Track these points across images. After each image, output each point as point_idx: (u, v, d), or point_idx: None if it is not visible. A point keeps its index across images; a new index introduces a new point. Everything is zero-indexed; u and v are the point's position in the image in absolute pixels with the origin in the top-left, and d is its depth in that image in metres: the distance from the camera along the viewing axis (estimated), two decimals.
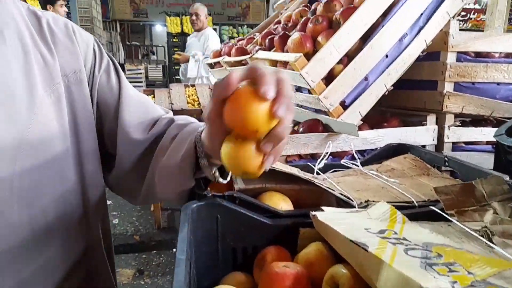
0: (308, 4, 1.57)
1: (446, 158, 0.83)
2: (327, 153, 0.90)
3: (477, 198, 0.60)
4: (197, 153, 0.60)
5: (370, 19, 1.06)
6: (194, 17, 4.20)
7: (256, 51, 1.31)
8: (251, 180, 0.71)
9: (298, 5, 1.64)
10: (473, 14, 9.53)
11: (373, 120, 1.20)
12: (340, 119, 1.07)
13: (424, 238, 0.47)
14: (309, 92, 1.08)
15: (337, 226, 0.50)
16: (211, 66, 1.83)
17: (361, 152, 1.10)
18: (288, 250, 0.59)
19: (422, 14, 1.11)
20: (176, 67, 7.31)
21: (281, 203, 0.66)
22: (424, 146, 1.14)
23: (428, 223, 0.56)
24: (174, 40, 8.28)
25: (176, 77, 7.48)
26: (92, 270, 0.71)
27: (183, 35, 8.04)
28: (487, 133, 1.18)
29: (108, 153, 0.74)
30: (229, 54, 1.61)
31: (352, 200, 0.65)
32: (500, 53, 1.21)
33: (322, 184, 0.69)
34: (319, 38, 1.08)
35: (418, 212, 0.62)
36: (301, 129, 1.12)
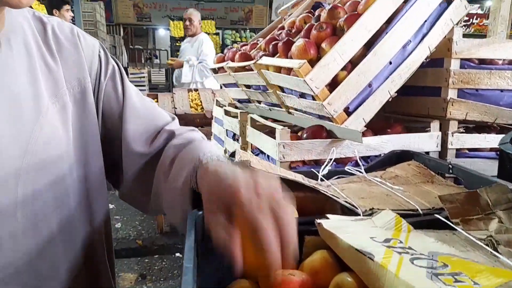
0: (312, 10, 1.57)
1: (450, 165, 0.83)
2: (331, 159, 0.91)
3: (482, 207, 0.60)
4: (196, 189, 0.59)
5: (374, 26, 1.06)
6: (187, 23, 4.22)
7: (260, 57, 1.31)
8: None
9: (302, 11, 1.65)
10: (476, 19, 9.55)
11: (376, 126, 1.20)
12: (344, 125, 1.07)
13: (429, 247, 0.48)
14: (313, 99, 1.08)
15: (342, 234, 0.50)
16: (215, 71, 1.84)
17: (365, 159, 1.10)
18: None
19: (425, 21, 1.12)
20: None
21: None
22: (427, 153, 1.14)
23: (433, 232, 0.56)
24: (177, 44, 8.31)
25: None
26: (93, 275, 0.71)
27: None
28: (491, 140, 1.18)
29: (118, 165, 0.74)
30: (232, 60, 1.61)
31: (357, 208, 0.66)
32: (504, 60, 1.21)
33: (326, 192, 0.69)
34: (323, 45, 1.09)
35: (423, 220, 0.62)
36: (305, 135, 1.12)
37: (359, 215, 0.64)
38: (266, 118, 1.37)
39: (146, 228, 3.29)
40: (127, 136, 0.71)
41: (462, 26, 1.16)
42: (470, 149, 1.20)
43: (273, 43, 1.36)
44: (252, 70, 1.34)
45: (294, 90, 1.16)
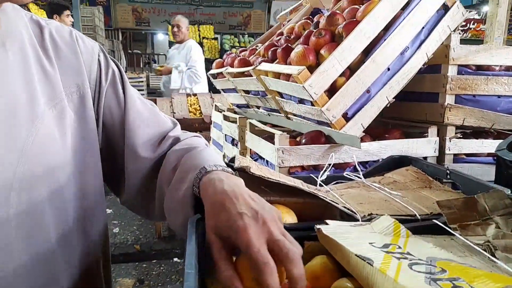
0: (310, 17, 1.58)
1: (448, 171, 0.84)
2: (329, 164, 0.91)
3: (479, 212, 0.60)
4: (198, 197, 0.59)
5: (372, 32, 1.07)
6: (175, 29, 4.21)
7: (259, 63, 1.32)
8: None
9: (301, 17, 1.66)
10: (473, 24, 9.60)
11: (375, 131, 1.21)
12: (342, 130, 1.08)
13: (428, 253, 0.48)
14: (312, 104, 1.09)
15: (342, 240, 0.51)
16: (214, 76, 1.84)
17: (363, 164, 1.11)
18: None
19: (423, 27, 1.13)
20: None
21: (286, 216, 0.67)
22: (425, 158, 1.15)
23: (431, 237, 0.57)
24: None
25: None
26: (91, 281, 0.70)
27: None
28: (488, 145, 1.19)
29: (121, 172, 0.73)
30: (232, 65, 1.62)
31: (356, 213, 0.66)
32: (501, 66, 1.22)
33: (325, 197, 0.69)
34: (322, 51, 1.10)
35: (421, 226, 0.63)
36: (303, 141, 1.13)
37: (358, 220, 0.65)
38: (265, 124, 1.37)
39: (144, 233, 3.28)
40: (131, 143, 0.70)
41: (459, 32, 1.17)
42: (467, 154, 1.21)
43: (272, 49, 1.37)
44: (251, 75, 1.35)
45: (293, 96, 1.17)
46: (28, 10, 4.76)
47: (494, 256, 0.51)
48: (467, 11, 1.21)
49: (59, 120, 0.60)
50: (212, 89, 4.07)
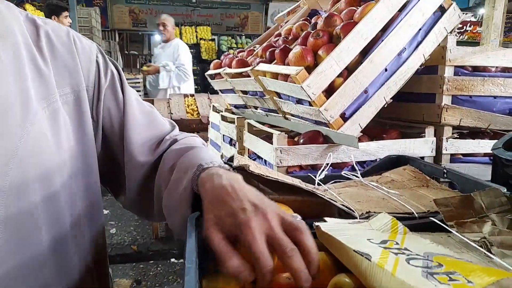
0: (308, 18, 1.60)
1: (445, 170, 0.85)
2: (327, 164, 0.92)
3: (476, 210, 0.61)
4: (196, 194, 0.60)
5: (370, 33, 1.08)
6: (161, 28, 4.19)
7: (257, 63, 1.33)
8: None
9: (298, 18, 1.67)
10: (470, 26, 9.66)
11: (372, 131, 1.22)
12: (340, 130, 1.09)
13: (425, 248, 0.49)
14: (310, 104, 1.10)
15: (340, 236, 0.52)
16: (212, 77, 1.85)
17: (361, 164, 1.11)
18: None
19: (420, 29, 1.14)
20: None
21: None
22: (422, 158, 1.16)
23: (428, 234, 0.58)
24: None
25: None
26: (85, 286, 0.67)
27: None
28: (484, 145, 1.20)
29: (121, 174, 0.73)
30: (230, 66, 1.63)
31: (354, 211, 0.67)
32: (497, 67, 1.24)
33: (324, 196, 0.70)
34: (320, 52, 1.11)
35: (418, 223, 0.64)
36: (301, 141, 1.13)
37: (356, 218, 0.65)
38: (263, 124, 1.38)
39: (141, 233, 3.28)
40: (130, 147, 0.69)
41: (456, 34, 1.19)
42: (464, 155, 1.23)
43: (270, 50, 1.38)
44: (249, 76, 1.35)
45: (291, 96, 1.18)
46: (25, 10, 4.75)
47: (490, 252, 0.52)
48: (463, 13, 1.22)
49: (53, 121, 0.58)
50: (210, 90, 4.09)
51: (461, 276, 0.40)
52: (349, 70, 1.09)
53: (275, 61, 1.30)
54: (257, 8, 9.44)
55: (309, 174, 0.88)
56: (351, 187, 0.85)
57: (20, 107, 0.54)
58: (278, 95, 1.28)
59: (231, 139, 1.64)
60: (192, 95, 3.69)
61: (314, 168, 1.09)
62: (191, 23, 8.89)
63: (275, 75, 1.21)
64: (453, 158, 1.22)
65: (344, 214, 0.68)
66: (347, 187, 0.85)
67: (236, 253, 0.47)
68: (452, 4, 1.18)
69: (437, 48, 1.18)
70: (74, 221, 0.62)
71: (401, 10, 1.12)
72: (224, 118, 1.74)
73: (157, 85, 4.16)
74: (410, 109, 1.33)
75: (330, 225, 0.57)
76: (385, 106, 1.14)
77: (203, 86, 7.79)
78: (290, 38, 1.44)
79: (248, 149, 1.38)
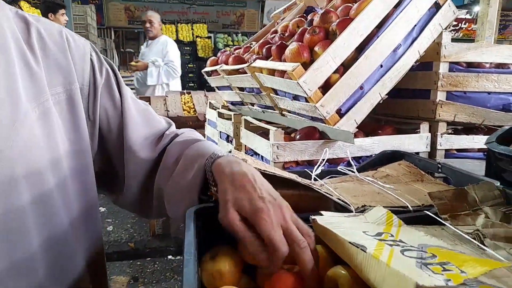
0: (304, 15, 1.60)
1: (439, 165, 0.86)
2: (323, 159, 0.93)
3: (469, 203, 0.62)
4: (208, 180, 0.61)
5: (366, 30, 1.09)
6: (148, 25, 4.09)
7: (254, 60, 1.33)
8: None
9: (295, 15, 1.67)
10: (465, 23, 9.69)
11: (368, 127, 1.23)
12: (336, 126, 1.10)
13: (419, 240, 0.50)
14: (306, 101, 1.11)
15: (336, 229, 0.52)
16: (208, 74, 1.85)
17: (357, 159, 1.12)
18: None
19: (415, 25, 1.15)
20: None
21: None
22: (417, 153, 1.17)
23: (423, 227, 0.59)
24: None
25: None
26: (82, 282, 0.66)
27: (178, 43, 8.05)
28: (478, 141, 1.22)
29: (117, 174, 0.72)
30: (226, 63, 1.63)
31: (350, 205, 0.68)
32: (491, 63, 1.25)
33: (320, 190, 0.71)
34: (316, 48, 1.11)
35: (413, 217, 0.64)
36: (298, 136, 1.14)
37: (352, 212, 0.66)
38: (260, 120, 1.39)
39: (138, 230, 3.28)
40: (130, 145, 0.69)
41: (451, 31, 1.20)
42: (458, 150, 1.24)
43: (266, 46, 1.38)
44: (246, 73, 1.36)
45: (288, 93, 1.18)
46: (20, 7, 4.72)
47: (483, 244, 0.53)
48: (458, 10, 1.23)
49: (44, 121, 0.56)
50: (206, 87, 4.08)
51: (455, 267, 0.41)
52: (345, 66, 1.10)
53: (272, 57, 1.31)
54: (253, 6, 9.43)
55: (305, 169, 0.89)
56: (347, 182, 0.86)
57: (9, 107, 0.52)
58: (275, 91, 1.29)
59: (228, 136, 1.65)
60: (188, 93, 3.69)
61: (311, 163, 1.10)
62: (187, 21, 8.86)
63: (272, 72, 1.22)
64: (448, 153, 1.23)
65: (340, 208, 0.69)
66: (343, 182, 0.85)
67: (255, 235, 0.50)
68: (447, 0, 1.19)
69: (432, 44, 1.19)
70: (70, 222, 0.61)
71: (396, 6, 1.13)
72: (221, 115, 1.75)
73: (145, 81, 4.08)
74: (405, 105, 1.34)
75: (326, 218, 0.57)
76: (381, 102, 1.15)
77: (199, 83, 7.78)
78: (286, 34, 1.45)
79: (245, 145, 1.38)
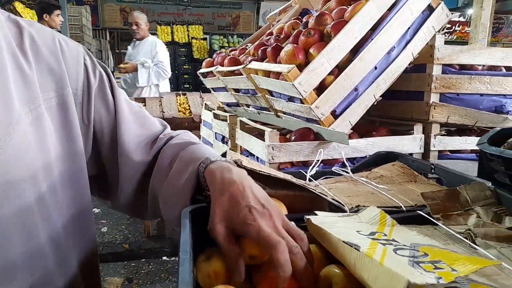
0: (299, 17, 1.61)
1: (432, 166, 0.87)
2: (318, 160, 0.93)
3: (461, 203, 0.63)
4: (202, 185, 0.61)
5: (360, 32, 1.10)
6: (134, 27, 4.02)
7: (249, 62, 1.34)
8: None
9: (290, 17, 1.68)
10: (458, 26, 9.76)
11: (362, 129, 1.24)
12: (331, 128, 1.11)
13: (412, 239, 0.50)
14: (301, 102, 1.11)
15: (330, 228, 0.53)
16: (204, 75, 1.86)
17: (351, 160, 1.13)
18: None
19: (409, 28, 1.16)
20: None
21: None
22: (411, 154, 1.18)
23: (415, 227, 0.59)
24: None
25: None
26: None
27: (174, 44, 8.07)
28: (471, 142, 1.23)
29: (111, 176, 0.72)
30: (222, 64, 1.64)
31: (344, 205, 0.68)
32: (483, 65, 1.26)
33: (315, 190, 0.72)
34: (311, 50, 1.12)
35: (406, 216, 0.65)
36: (293, 138, 1.15)
37: (346, 212, 0.67)
38: (255, 122, 1.39)
39: (132, 232, 3.27)
40: (124, 149, 0.69)
41: (444, 33, 1.21)
42: (451, 151, 1.25)
43: (262, 48, 1.39)
44: (241, 74, 1.36)
45: (283, 94, 1.19)
46: (14, 8, 4.69)
47: (475, 243, 0.54)
48: (451, 13, 1.25)
49: (36, 126, 0.56)
50: (202, 88, 4.07)
51: (446, 265, 0.42)
52: (340, 68, 1.11)
53: (267, 59, 1.32)
54: (249, 8, 9.45)
55: (300, 170, 0.90)
56: (341, 182, 0.86)
57: (2, 111, 0.51)
58: (270, 93, 1.29)
59: (224, 137, 1.65)
60: (184, 94, 3.69)
61: (305, 164, 1.11)
62: (183, 22, 8.86)
63: (267, 73, 1.23)
64: (441, 154, 1.24)
65: (335, 208, 0.69)
66: (338, 183, 0.86)
67: (239, 252, 0.50)
68: (440, 3, 1.20)
69: (425, 46, 1.20)
70: (62, 225, 0.60)
71: (390, 9, 1.14)
72: (216, 116, 1.75)
73: (134, 82, 4.03)
74: (399, 106, 1.35)
75: (321, 218, 0.58)
76: (375, 103, 1.16)
77: (194, 84, 7.78)
78: (282, 36, 1.46)
79: (241, 146, 1.39)
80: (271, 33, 1.64)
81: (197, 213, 0.58)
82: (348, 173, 0.90)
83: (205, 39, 8.60)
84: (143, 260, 2.89)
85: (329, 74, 1.09)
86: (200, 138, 2.16)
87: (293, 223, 0.56)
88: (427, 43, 1.21)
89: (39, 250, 0.57)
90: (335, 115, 1.12)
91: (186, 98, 3.58)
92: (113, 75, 0.74)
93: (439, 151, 1.24)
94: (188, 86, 7.96)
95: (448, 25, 9.37)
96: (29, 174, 0.54)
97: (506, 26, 9.81)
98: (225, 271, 0.51)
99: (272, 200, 0.57)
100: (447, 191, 0.65)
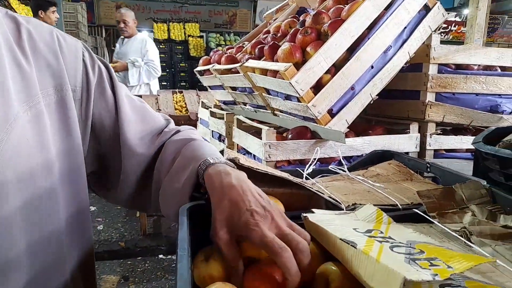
0: (297, 16, 1.61)
1: (428, 164, 0.88)
2: (315, 159, 0.94)
3: (457, 201, 0.64)
4: (201, 184, 0.61)
5: (357, 31, 1.11)
6: (122, 25, 3.95)
7: (246, 60, 1.34)
8: None
9: (287, 16, 1.69)
10: (454, 26, 9.80)
11: (359, 127, 1.24)
12: (327, 126, 1.11)
13: (408, 237, 0.51)
14: (298, 100, 1.12)
15: (327, 226, 0.53)
16: (200, 73, 1.86)
17: (348, 158, 1.14)
18: None
19: (405, 27, 1.17)
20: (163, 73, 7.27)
21: None
22: (407, 153, 1.19)
23: (411, 225, 0.60)
24: (161, 46, 8.27)
25: (163, 83, 7.45)
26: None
27: (170, 42, 8.04)
28: (466, 141, 1.24)
29: (112, 171, 0.72)
30: (219, 62, 1.64)
31: (340, 203, 0.69)
32: (479, 65, 1.27)
33: (312, 188, 0.72)
34: (308, 49, 1.12)
35: (402, 215, 0.66)
36: (290, 136, 1.15)
37: (343, 209, 0.67)
38: (252, 120, 1.40)
39: (128, 230, 3.27)
40: (127, 141, 0.68)
41: (440, 33, 1.22)
42: (447, 150, 1.26)
43: (259, 46, 1.39)
44: (238, 72, 1.37)
45: (280, 92, 1.19)
46: (9, 4, 4.66)
47: (470, 241, 0.54)
48: (447, 13, 1.25)
49: (35, 123, 0.55)
50: (198, 86, 4.06)
51: (441, 262, 0.43)
52: (337, 67, 1.11)
53: (264, 57, 1.32)
54: (246, 6, 9.43)
55: (297, 168, 0.90)
56: (338, 180, 0.87)
57: (0, 108, 0.51)
58: (267, 91, 1.30)
59: (220, 135, 1.65)
60: (180, 92, 3.69)
61: (302, 163, 1.11)
62: (179, 20, 8.83)
63: (264, 72, 1.23)
64: (437, 153, 1.25)
65: (331, 206, 0.70)
66: (334, 181, 0.87)
67: (239, 256, 0.51)
68: (436, 3, 1.21)
69: (421, 46, 1.21)
70: (60, 223, 0.60)
71: (387, 8, 1.15)
72: (213, 114, 1.75)
73: (125, 82, 3.95)
74: (395, 105, 1.36)
75: (318, 216, 0.58)
76: (371, 102, 1.17)
77: (191, 82, 7.76)
78: (279, 35, 1.46)
79: (237, 144, 1.39)
80: (268, 32, 1.64)
81: (194, 210, 0.59)
82: (345, 171, 0.91)
83: (201, 37, 8.58)
84: (139, 258, 2.89)
85: (326, 72, 1.10)
86: None
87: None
88: (423, 42, 1.21)
89: (38, 248, 0.57)
90: (331, 113, 1.13)
91: (183, 96, 3.58)
92: None
93: (435, 150, 1.25)
94: (184, 84, 7.94)
95: (444, 25, 9.40)
96: (28, 172, 0.54)
97: (501, 26, 9.85)
98: (222, 275, 0.51)
99: (272, 201, 0.57)
100: (442, 190, 0.66)
